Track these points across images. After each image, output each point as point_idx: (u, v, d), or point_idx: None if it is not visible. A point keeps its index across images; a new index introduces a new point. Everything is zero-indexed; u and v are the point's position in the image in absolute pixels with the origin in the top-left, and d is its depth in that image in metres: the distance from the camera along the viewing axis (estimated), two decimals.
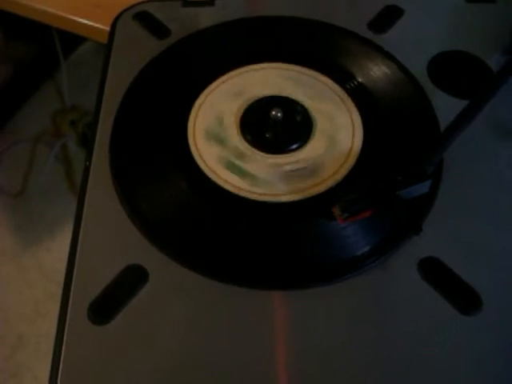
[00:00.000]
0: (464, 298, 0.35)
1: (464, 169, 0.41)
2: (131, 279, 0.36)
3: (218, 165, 0.41)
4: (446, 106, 0.43)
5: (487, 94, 0.41)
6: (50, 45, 1.23)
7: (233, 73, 0.46)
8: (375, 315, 0.35)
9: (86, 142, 1.28)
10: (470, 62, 0.48)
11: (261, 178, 0.40)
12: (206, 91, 0.45)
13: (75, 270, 0.37)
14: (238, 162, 0.41)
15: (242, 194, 0.39)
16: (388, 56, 0.46)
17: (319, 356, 0.34)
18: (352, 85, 0.45)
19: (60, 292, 0.35)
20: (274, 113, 0.41)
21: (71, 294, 0.36)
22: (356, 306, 0.35)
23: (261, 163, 0.41)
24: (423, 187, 0.37)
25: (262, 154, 0.41)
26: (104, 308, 0.35)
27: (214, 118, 0.43)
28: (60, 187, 1.26)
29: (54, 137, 1.32)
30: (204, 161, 0.41)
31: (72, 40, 1.35)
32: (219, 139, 0.42)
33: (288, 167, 0.40)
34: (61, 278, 0.34)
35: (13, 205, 1.24)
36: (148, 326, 0.35)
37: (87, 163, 0.41)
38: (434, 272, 0.36)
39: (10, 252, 1.17)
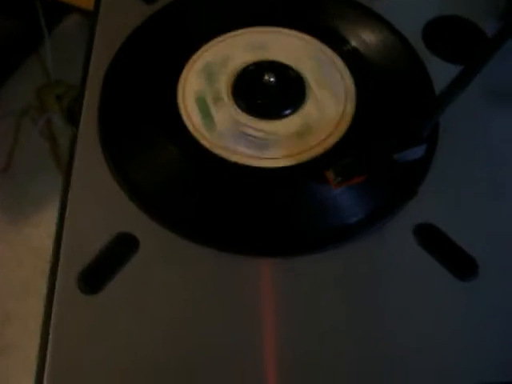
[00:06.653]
0: (460, 264, 0.35)
1: (459, 135, 0.41)
2: (122, 247, 0.35)
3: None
4: (440, 71, 0.43)
5: (482, 58, 0.40)
6: (33, 18, 1.21)
7: (223, 36, 0.45)
8: (370, 282, 0.35)
9: (72, 116, 1.27)
10: (464, 26, 0.47)
11: (219, 129, 0.39)
12: (196, 55, 0.44)
13: (64, 238, 0.36)
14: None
15: (234, 158, 0.38)
16: (381, 20, 0.45)
17: (307, 326, 0.33)
18: (344, 49, 0.44)
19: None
20: (266, 77, 0.41)
21: (60, 263, 0.35)
22: (350, 274, 0.35)
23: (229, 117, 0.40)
24: (418, 151, 0.37)
25: (251, 118, 0.40)
26: (94, 277, 0.34)
27: (205, 80, 0.42)
28: (45, 163, 1.24)
29: (39, 112, 1.29)
30: (193, 124, 0.40)
31: (56, 13, 1.32)
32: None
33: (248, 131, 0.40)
34: (50, 254, 0.34)
35: None
36: (139, 295, 0.34)
37: (75, 130, 0.40)
38: (430, 237, 0.36)
39: None
